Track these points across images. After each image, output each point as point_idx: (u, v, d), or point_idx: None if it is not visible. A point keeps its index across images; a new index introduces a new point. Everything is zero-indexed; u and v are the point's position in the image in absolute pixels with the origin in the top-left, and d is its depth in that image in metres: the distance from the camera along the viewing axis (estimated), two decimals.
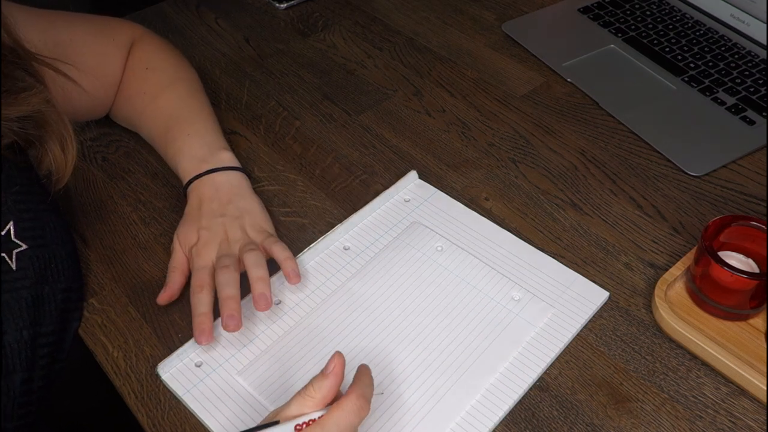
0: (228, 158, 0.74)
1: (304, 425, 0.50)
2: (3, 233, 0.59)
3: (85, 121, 0.82)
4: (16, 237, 0.60)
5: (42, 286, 0.61)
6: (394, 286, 0.67)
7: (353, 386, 0.52)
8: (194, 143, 0.75)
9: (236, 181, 0.73)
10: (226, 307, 0.63)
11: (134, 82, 0.80)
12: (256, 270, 0.64)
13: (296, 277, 0.66)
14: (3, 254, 0.58)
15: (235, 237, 0.68)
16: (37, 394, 0.60)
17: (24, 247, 0.60)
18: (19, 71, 0.57)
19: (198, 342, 0.62)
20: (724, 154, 0.79)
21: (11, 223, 0.59)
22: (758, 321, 0.62)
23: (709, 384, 0.60)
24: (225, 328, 0.62)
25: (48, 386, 0.61)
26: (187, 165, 0.73)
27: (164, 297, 0.66)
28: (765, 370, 0.58)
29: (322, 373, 0.51)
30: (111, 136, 0.85)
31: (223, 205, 0.70)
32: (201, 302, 0.64)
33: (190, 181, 0.72)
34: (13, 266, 0.59)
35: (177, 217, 0.76)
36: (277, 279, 0.68)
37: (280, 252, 0.67)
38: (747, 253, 0.63)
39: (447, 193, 0.76)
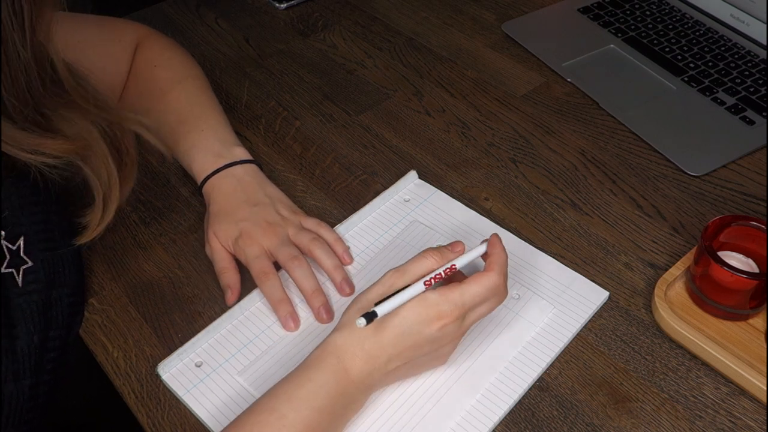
0: (242, 153, 0.75)
1: (433, 280, 0.56)
2: (14, 248, 0.59)
3: None
4: (24, 252, 0.59)
5: (50, 291, 0.61)
6: None
7: (494, 264, 0.57)
8: (208, 138, 0.75)
9: (254, 172, 0.73)
10: (316, 300, 0.65)
11: (142, 80, 0.80)
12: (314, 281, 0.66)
13: (349, 257, 0.69)
14: (12, 269, 0.58)
15: (275, 221, 0.69)
16: (43, 398, 0.60)
17: (30, 264, 0.59)
18: (70, 115, 0.54)
19: (287, 329, 0.64)
20: (724, 154, 0.79)
21: (22, 238, 0.59)
22: (758, 321, 0.62)
23: (709, 384, 0.60)
24: (320, 321, 0.64)
25: (53, 390, 0.61)
26: (202, 160, 0.73)
27: (233, 298, 0.66)
28: (765, 370, 0.58)
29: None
30: None
31: (251, 195, 0.71)
32: (274, 288, 0.65)
33: (208, 177, 0.72)
34: (20, 282, 0.59)
35: (177, 217, 0.76)
36: (280, 277, 0.68)
37: (328, 233, 0.70)
38: (747, 253, 0.63)
39: (447, 193, 0.76)
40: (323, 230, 0.70)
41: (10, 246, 0.58)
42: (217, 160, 0.73)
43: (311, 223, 0.70)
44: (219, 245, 0.68)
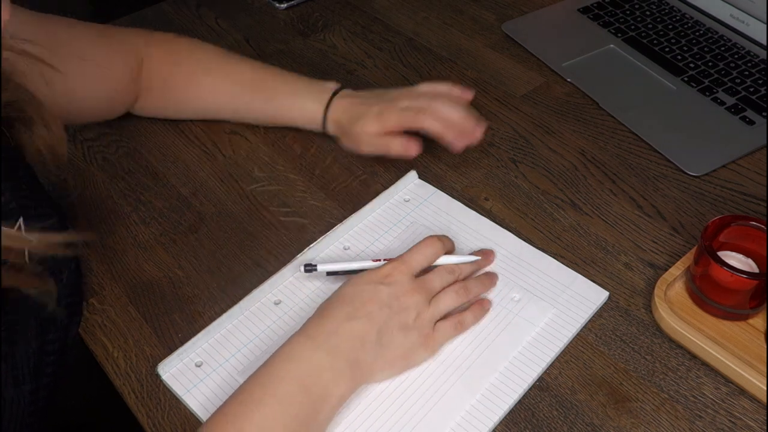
0: (332, 84, 0.80)
1: (383, 260, 0.63)
2: (14, 230, 0.58)
3: (96, 122, 0.83)
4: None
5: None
6: None
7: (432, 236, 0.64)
8: (296, 83, 0.80)
9: (352, 90, 0.80)
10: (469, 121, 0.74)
11: (176, 63, 0.81)
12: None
13: (469, 92, 0.77)
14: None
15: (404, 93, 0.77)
16: (43, 401, 0.60)
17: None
18: None
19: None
20: (723, 154, 0.79)
21: (20, 219, 0.59)
22: (758, 321, 0.62)
23: (708, 384, 0.60)
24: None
25: (53, 393, 0.61)
26: (312, 99, 0.79)
27: (417, 147, 0.74)
28: (765, 370, 0.58)
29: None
30: (111, 136, 0.85)
31: (372, 94, 0.78)
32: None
33: (326, 109, 0.78)
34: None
35: (177, 217, 0.76)
36: (279, 277, 0.68)
37: (455, 90, 0.77)
38: (747, 253, 0.63)
39: (447, 193, 0.76)
40: (450, 89, 0.77)
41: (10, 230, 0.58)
42: (323, 94, 0.78)
43: (440, 88, 0.77)
44: (376, 130, 0.74)
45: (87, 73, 0.74)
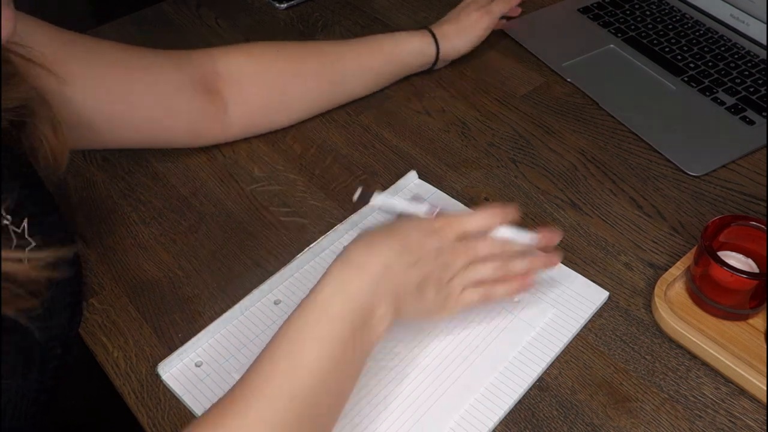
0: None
1: (438, 209, 0.62)
2: (19, 230, 0.59)
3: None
4: (29, 235, 0.59)
5: (49, 290, 0.61)
6: None
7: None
8: (380, 35, 0.87)
9: None
10: None
11: (270, 70, 0.82)
12: None
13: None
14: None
15: None
16: (45, 396, 0.60)
17: (34, 245, 0.59)
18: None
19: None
20: (723, 154, 0.79)
21: (26, 220, 0.59)
22: (758, 321, 0.62)
23: (708, 384, 0.60)
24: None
25: (56, 387, 0.61)
26: (410, 35, 0.88)
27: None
28: (765, 370, 0.58)
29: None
30: None
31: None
32: None
33: (436, 44, 0.88)
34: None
35: (177, 217, 0.76)
36: (279, 277, 0.68)
37: None
38: (747, 253, 0.63)
39: (447, 193, 0.76)
40: None
41: (15, 229, 0.58)
42: (415, 31, 0.88)
43: None
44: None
45: (121, 92, 0.72)
